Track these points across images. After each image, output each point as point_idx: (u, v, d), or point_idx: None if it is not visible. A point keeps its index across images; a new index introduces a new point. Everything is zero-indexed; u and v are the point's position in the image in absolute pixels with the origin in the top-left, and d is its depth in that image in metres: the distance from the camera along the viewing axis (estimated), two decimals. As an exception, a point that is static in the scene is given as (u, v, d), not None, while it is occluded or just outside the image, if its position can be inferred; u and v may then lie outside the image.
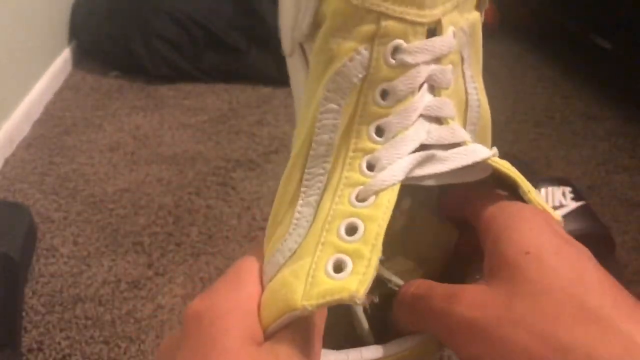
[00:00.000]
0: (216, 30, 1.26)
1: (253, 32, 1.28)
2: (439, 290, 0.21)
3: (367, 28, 0.22)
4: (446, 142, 0.23)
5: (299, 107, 0.26)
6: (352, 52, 0.23)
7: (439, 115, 0.23)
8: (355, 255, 0.20)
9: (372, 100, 0.23)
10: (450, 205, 0.25)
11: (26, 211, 0.78)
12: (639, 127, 1.10)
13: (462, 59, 0.25)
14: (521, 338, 0.17)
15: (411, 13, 0.22)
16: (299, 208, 0.23)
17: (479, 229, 0.22)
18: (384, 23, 0.22)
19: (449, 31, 0.23)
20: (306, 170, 0.23)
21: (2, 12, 1.00)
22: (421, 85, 0.23)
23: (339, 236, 0.20)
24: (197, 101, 1.20)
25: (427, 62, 0.23)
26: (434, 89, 0.23)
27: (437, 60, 0.23)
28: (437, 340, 0.22)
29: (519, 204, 0.22)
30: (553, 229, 0.21)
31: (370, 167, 0.22)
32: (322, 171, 0.23)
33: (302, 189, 0.23)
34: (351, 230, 0.21)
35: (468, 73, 0.25)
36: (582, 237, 0.72)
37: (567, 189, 0.72)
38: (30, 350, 0.61)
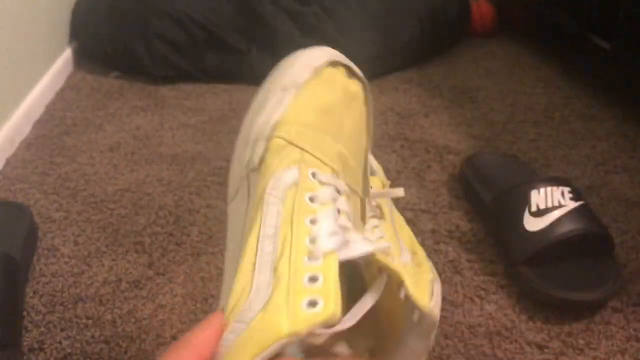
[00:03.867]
0: (216, 31, 1.27)
1: (253, 32, 1.28)
2: None
3: (295, 155, 0.35)
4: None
5: (233, 249, 0.35)
6: (286, 167, 0.35)
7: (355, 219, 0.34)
8: (323, 293, 0.26)
9: (304, 201, 0.33)
10: None
11: (27, 211, 0.78)
12: (639, 127, 1.10)
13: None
14: None
15: (318, 155, 0.36)
16: (256, 278, 0.29)
17: None
18: (305, 156, 0.35)
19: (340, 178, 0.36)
20: (258, 251, 0.31)
21: (2, 13, 1.00)
22: (338, 198, 0.34)
23: (304, 285, 0.27)
24: (197, 101, 1.20)
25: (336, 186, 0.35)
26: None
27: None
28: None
29: None
30: None
31: (312, 241, 0.30)
32: (271, 249, 0.30)
33: (256, 265, 0.30)
34: (313, 280, 0.27)
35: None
36: (581, 237, 0.73)
37: (566, 189, 0.72)
38: (31, 350, 0.62)
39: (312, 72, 0.39)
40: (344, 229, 0.31)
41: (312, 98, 0.39)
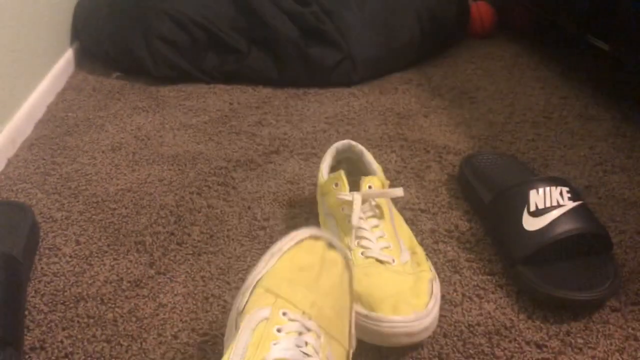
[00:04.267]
0: (217, 32, 1.27)
1: (253, 33, 1.29)
2: None
3: (270, 299, 0.45)
4: None
5: None
6: (261, 307, 0.45)
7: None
8: None
9: (271, 331, 0.42)
10: None
11: (29, 211, 0.79)
12: (637, 127, 1.10)
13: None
14: None
15: (291, 300, 0.46)
16: None
17: None
18: (279, 300, 0.45)
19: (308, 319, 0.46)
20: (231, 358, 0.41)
21: (4, 14, 1.01)
22: (305, 332, 0.43)
23: None
24: (198, 102, 1.21)
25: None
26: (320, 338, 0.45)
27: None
28: None
29: None
30: None
31: (269, 354, 0.40)
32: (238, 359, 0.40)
33: None
34: None
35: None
36: (580, 237, 0.74)
37: (565, 189, 0.73)
38: (32, 349, 0.62)
39: (295, 242, 0.51)
40: (304, 354, 0.38)
41: (291, 259, 0.50)
